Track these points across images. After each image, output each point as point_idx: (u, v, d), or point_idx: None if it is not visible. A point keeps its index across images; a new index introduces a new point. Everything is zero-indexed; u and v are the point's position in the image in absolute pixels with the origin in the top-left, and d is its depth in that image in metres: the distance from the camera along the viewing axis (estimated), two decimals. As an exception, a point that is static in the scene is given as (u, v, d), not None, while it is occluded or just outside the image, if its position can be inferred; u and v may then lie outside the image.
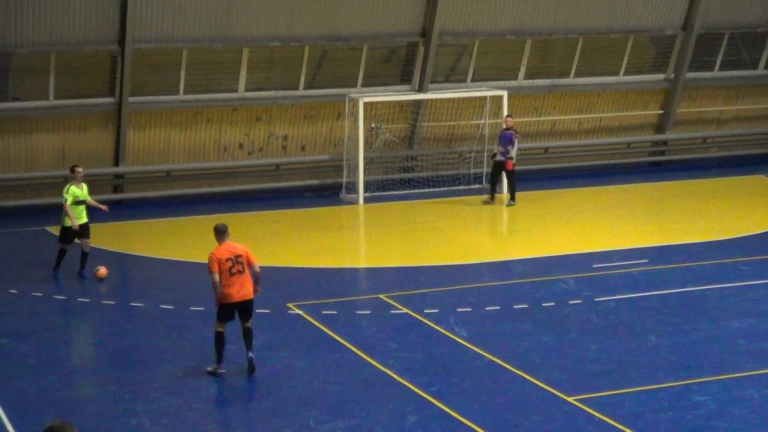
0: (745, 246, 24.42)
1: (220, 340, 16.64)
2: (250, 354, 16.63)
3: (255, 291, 16.62)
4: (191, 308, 20.00)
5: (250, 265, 16.50)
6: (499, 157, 28.09)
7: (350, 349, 17.88)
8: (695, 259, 23.37)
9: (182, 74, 28.17)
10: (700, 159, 34.00)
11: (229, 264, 16.32)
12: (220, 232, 16.61)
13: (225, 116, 28.90)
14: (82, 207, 21.95)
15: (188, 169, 28.91)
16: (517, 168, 29.34)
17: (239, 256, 16.40)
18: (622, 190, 30.49)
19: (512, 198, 28.37)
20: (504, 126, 28.26)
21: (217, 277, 16.28)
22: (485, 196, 28.72)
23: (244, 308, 16.54)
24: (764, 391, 16.37)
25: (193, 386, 16.34)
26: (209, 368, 16.75)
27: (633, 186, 31.03)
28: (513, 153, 27.89)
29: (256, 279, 16.67)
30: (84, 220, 21.94)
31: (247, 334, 16.65)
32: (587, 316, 19.80)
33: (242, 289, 16.40)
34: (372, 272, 23.10)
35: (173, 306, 20.23)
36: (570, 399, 16.00)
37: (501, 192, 29.16)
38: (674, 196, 29.68)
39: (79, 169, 22.14)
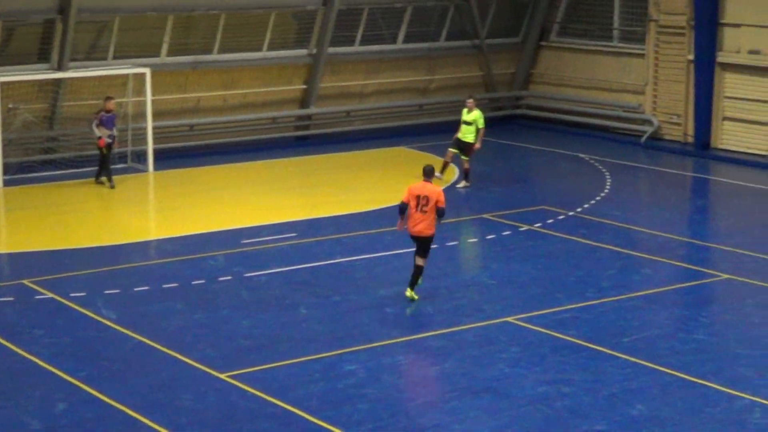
0: (390, 216, 25.02)
1: None
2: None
3: None
4: None
5: None
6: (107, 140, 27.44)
7: (-6, 338, 17.32)
8: (343, 231, 23.83)
9: None
10: (345, 132, 34.62)
11: None
12: None
13: None
14: None
15: None
16: (163, 145, 29.17)
17: None
18: (270, 165, 30.70)
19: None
20: (107, 109, 27.54)
21: None
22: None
23: None
24: (411, 357, 16.94)
25: None
26: None
27: (280, 161, 31.29)
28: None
29: None
30: None
31: None
32: (238, 292, 19.88)
33: None
34: (14, 257, 22.34)
35: None
36: (222, 376, 16.04)
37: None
38: (321, 170, 30.13)
39: None
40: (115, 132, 27.50)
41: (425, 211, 18.95)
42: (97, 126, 27.24)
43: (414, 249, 19.52)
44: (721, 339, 17.78)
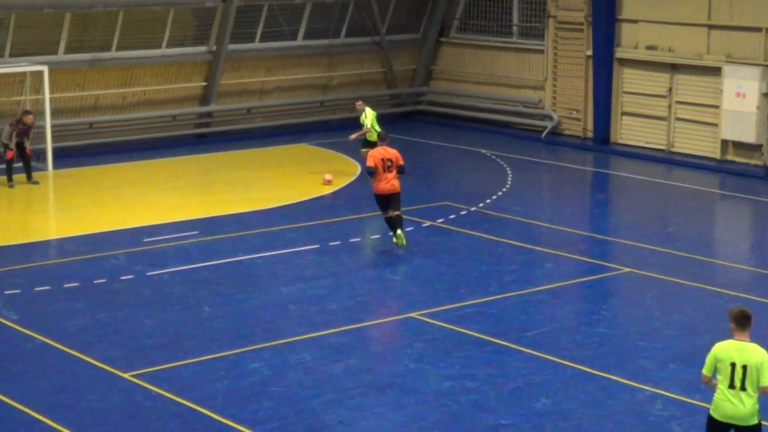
0: (291, 213, 25.08)
1: None
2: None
3: None
4: None
5: None
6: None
7: None
8: (245, 229, 23.78)
9: None
10: (246, 129, 34.52)
11: None
12: None
13: None
14: None
15: None
16: (62, 144, 29.06)
17: None
18: (170, 163, 30.52)
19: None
20: (26, 122, 27.19)
21: None
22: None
23: None
24: (316, 353, 16.94)
25: None
26: None
27: (181, 158, 31.13)
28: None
29: None
30: None
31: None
32: (140, 290, 19.76)
33: None
34: None
35: None
36: (126, 375, 15.96)
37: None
38: (222, 167, 30.03)
39: None
40: (26, 143, 27.19)
41: (392, 170, 22.00)
42: (12, 137, 26.92)
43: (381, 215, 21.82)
44: (622, 332, 18.04)
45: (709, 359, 11.97)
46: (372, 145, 27.01)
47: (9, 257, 21.65)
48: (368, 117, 27.44)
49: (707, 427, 12.02)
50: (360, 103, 27.95)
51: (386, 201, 22.09)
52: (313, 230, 23.70)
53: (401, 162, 22.17)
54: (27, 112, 27.59)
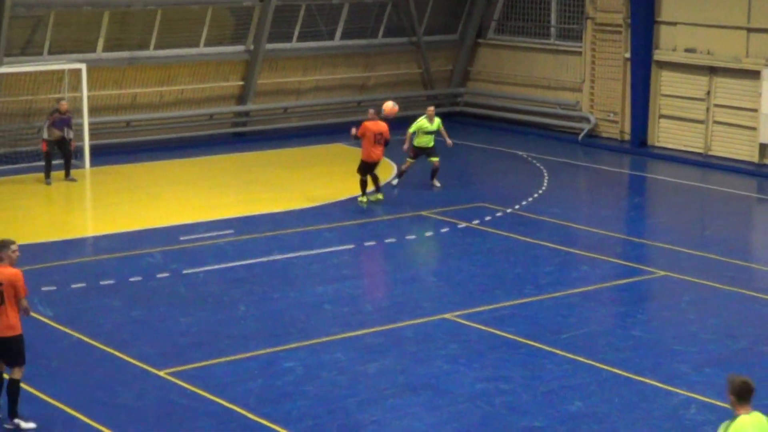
0: (327, 213, 25.16)
1: None
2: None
3: None
4: None
5: None
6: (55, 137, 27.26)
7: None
8: (280, 228, 23.89)
9: None
10: (283, 129, 34.63)
11: None
12: None
13: None
14: None
15: None
16: (99, 142, 29.30)
17: None
18: (207, 162, 30.66)
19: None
20: (61, 110, 27.36)
21: None
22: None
23: None
24: (350, 354, 17.00)
25: None
26: None
27: (217, 157, 31.26)
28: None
29: None
30: None
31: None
32: (175, 288, 19.88)
33: None
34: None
35: None
36: (161, 373, 16.07)
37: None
38: (258, 167, 30.15)
39: None
40: (69, 134, 27.24)
41: (381, 143, 25.24)
42: (48, 127, 27.09)
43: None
44: (657, 335, 18.01)
45: None
46: (422, 151, 27.08)
47: (45, 254, 21.81)
48: (440, 123, 27.57)
49: None
50: (432, 108, 27.84)
51: (371, 167, 25.50)
52: (349, 230, 23.78)
53: (388, 137, 25.40)
54: (61, 100, 27.73)
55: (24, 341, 14.40)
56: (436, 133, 27.45)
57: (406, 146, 27.32)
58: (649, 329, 18.45)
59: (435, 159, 27.35)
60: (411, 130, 27.27)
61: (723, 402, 15.11)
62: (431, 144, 27.31)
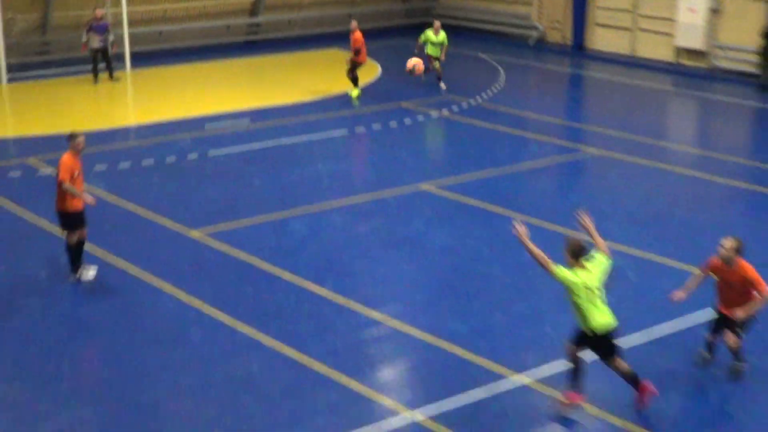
0: (326, 105, 25.17)
1: None
2: None
3: None
4: None
5: None
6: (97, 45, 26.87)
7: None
8: (287, 117, 23.91)
9: None
10: (288, 37, 34.34)
11: None
12: None
13: None
14: None
15: None
16: (137, 49, 29.09)
17: None
18: (225, 65, 30.46)
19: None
20: (96, 17, 26.99)
21: None
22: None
23: None
24: (345, 217, 17.22)
25: None
26: None
27: (234, 61, 31.04)
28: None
29: None
30: None
31: None
32: (203, 167, 20.01)
33: None
34: (19, 141, 22.15)
35: None
36: (193, 233, 16.26)
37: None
38: (268, 68, 29.99)
39: None
40: (110, 37, 26.97)
41: (361, 51, 25.22)
42: (87, 32, 26.83)
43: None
44: (590, 201, 18.21)
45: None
46: (431, 58, 26.71)
47: (96, 140, 21.76)
48: (444, 38, 26.77)
49: None
50: (438, 23, 27.20)
51: (358, 66, 25.43)
52: (343, 119, 23.83)
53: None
54: (97, 7, 27.37)
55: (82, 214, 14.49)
56: (441, 45, 26.83)
57: (416, 52, 26.87)
58: (585, 196, 18.67)
59: (437, 65, 26.67)
60: (420, 40, 26.94)
61: (644, 252, 15.42)
62: (437, 54, 26.80)
